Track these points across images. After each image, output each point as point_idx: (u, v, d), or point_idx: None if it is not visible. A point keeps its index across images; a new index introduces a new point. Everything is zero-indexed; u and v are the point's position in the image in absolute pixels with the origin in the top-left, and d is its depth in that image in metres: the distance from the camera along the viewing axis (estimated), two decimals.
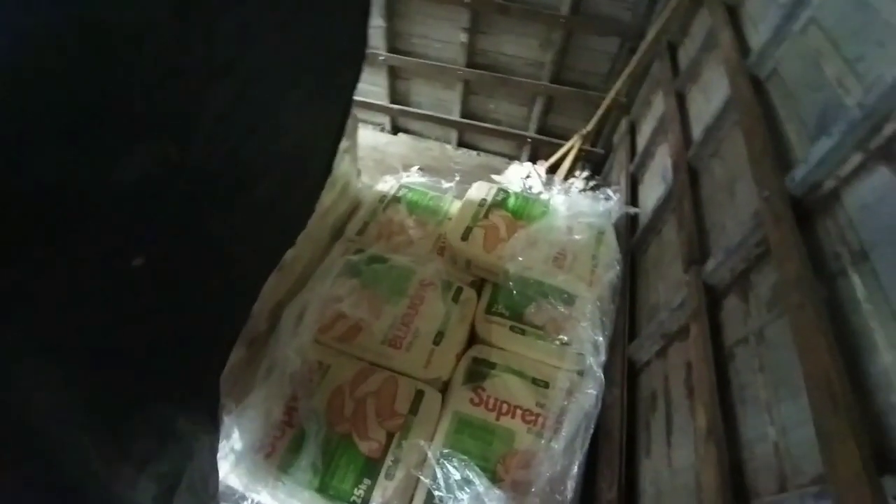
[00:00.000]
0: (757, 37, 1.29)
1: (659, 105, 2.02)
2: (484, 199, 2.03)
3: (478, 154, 3.07)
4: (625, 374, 1.47)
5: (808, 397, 0.66)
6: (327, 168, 1.37)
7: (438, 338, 1.64)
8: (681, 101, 1.75)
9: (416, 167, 2.45)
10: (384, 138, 3.10)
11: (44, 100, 0.64)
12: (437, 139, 3.09)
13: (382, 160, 2.88)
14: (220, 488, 1.21)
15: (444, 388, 1.57)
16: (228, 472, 1.29)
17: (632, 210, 1.93)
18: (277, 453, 1.34)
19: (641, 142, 2.21)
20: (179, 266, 0.99)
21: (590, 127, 2.50)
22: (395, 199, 2.13)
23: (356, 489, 1.30)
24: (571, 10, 2.24)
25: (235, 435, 1.33)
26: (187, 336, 1.08)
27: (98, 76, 0.72)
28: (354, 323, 1.62)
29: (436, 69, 2.68)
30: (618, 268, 1.75)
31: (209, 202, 0.99)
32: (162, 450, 0.96)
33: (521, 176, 2.72)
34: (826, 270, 0.77)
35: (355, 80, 1.44)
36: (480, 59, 2.62)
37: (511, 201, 2.04)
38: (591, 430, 1.39)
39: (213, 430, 1.23)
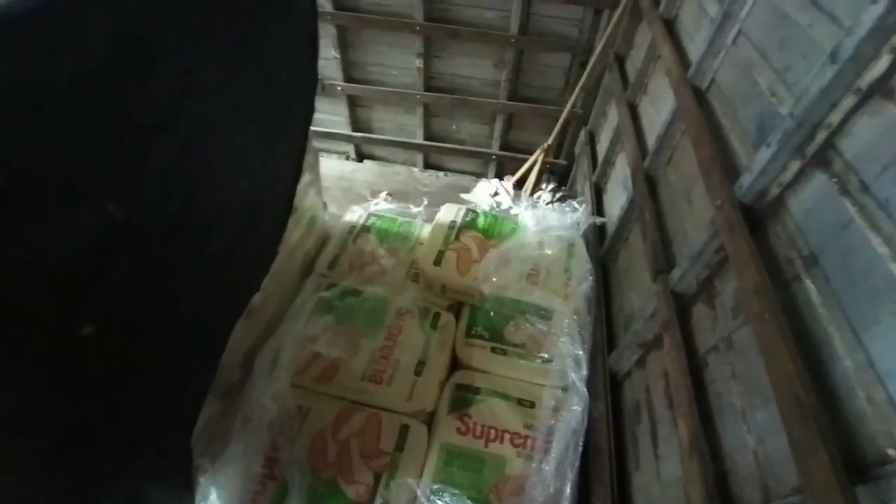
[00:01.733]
0: (694, 49, 1.34)
1: (614, 115, 2.08)
2: (454, 222, 2.03)
3: (445, 174, 3.09)
4: (607, 386, 1.48)
5: (777, 406, 0.67)
6: (287, 208, 1.35)
7: (420, 367, 1.61)
8: (633, 111, 1.80)
9: (385, 192, 2.44)
10: (350, 166, 3.08)
11: None
12: (403, 163, 3.10)
13: (350, 188, 2.86)
14: None
15: (430, 420, 1.54)
16: None
17: (598, 220, 1.96)
18: None
19: (601, 151, 2.26)
20: (133, 329, 0.94)
21: (551, 140, 2.55)
22: (365, 229, 2.11)
23: None
24: (520, 30, 2.31)
25: (213, 496, 1.27)
26: (150, 401, 1.03)
27: (26, 138, 0.68)
28: (331, 362, 1.58)
29: (395, 95, 2.70)
30: (591, 279, 1.77)
31: (161, 260, 0.95)
32: None
33: (489, 192, 2.75)
34: (782, 277, 0.79)
35: (308, 117, 1.43)
36: (438, 83, 2.65)
37: (480, 221, 2.05)
38: (581, 448, 1.38)
39: (188, 496, 1.17)
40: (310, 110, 1.36)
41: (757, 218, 0.90)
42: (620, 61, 2.10)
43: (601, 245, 1.93)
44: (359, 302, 1.77)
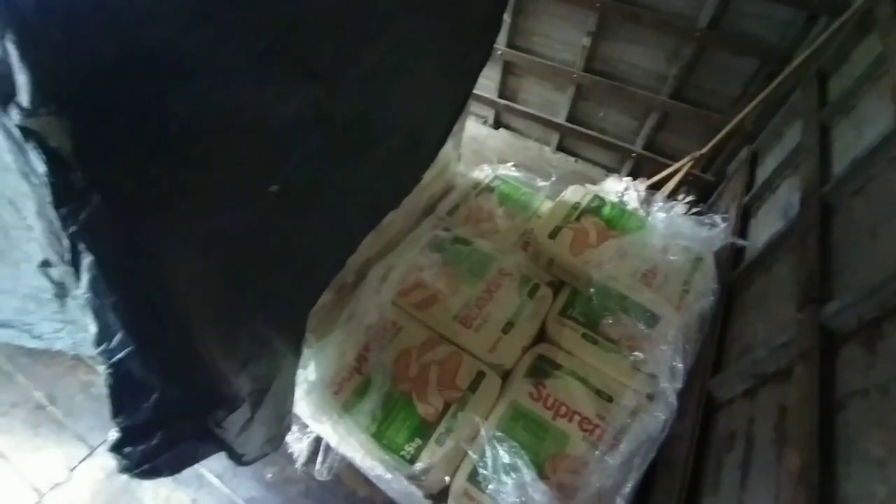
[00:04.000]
0: None
1: (793, 136, 1.85)
2: (578, 203, 2.00)
3: (576, 161, 3.01)
4: (701, 407, 1.38)
5: None
6: (441, 142, 1.44)
7: (508, 327, 1.65)
8: (824, 133, 1.59)
9: (511, 163, 2.47)
10: (484, 131, 3.15)
11: (233, 30, 0.75)
12: (536, 140, 3.08)
13: (479, 151, 2.93)
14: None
15: (505, 377, 1.58)
16: (299, 398, 1.41)
17: (739, 242, 1.79)
18: (344, 393, 1.44)
19: (762, 174, 2.04)
20: (305, 201, 1.10)
21: (705, 150, 2.34)
22: (488, 188, 2.17)
23: (407, 445, 1.36)
24: (710, 23, 2.12)
25: (311, 367, 1.46)
26: (296, 266, 1.20)
27: (277, 21, 0.83)
28: (431, 294, 1.69)
29: (550, 69, 2.67)
30: (712, 298, 1.64)
31: (340, 150, 1.09)
32: (259, 357, 1.07)
33: (617, 189, 2.63)
34: None
35: (481, 64, 1.49)
36: (598, 65, 2.56)
37: (606, 210, 1.99)
38: (652, 455, 1.33)
39: (296, 355, 1.36)
40: (485, 58, 1.42)
41: None
42: (822, 78, 1.84)
43: (734, 269, 1.77)
44: (467, 251, 1.85)
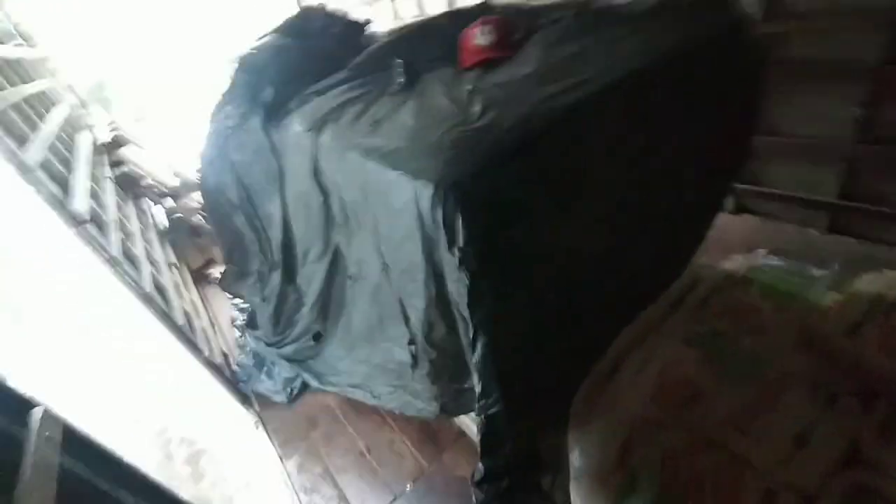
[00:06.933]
0: None
1: None
2: (881, 295, 1.66)
3: (858, 242, 2.49)
4: None
5: None
6: (702, 237, 1.50)
7: (800, 441, 1.42)
8: None
9: (764, 250, 2.24)
10: (724, 218, 2.94)
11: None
12: (797, 223, 2.71)
13: (721, 240, 2.72)
14: None
15: None
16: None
17: None
18: (611, 487, 1.46)
19: None
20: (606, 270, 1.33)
21: None
22: (745, 279, 2.01)
23: None
24: None
25: (577, 453, 1.54)
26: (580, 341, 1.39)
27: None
28: (694, 392, 1.61)
29: (804, 147, 2.42)
30: None
31: (633, 241, 1.29)
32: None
33: None
34: None
35: (741, 161, 1.54)
36: (880, 134, 2.20)
37: None
38: None
39: (563, 436, 1.48)
40: (744, 157, 1.48)
41: None
42: None
43: None
44: (731, 348, 1.72)
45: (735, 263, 2.10)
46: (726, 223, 2.93)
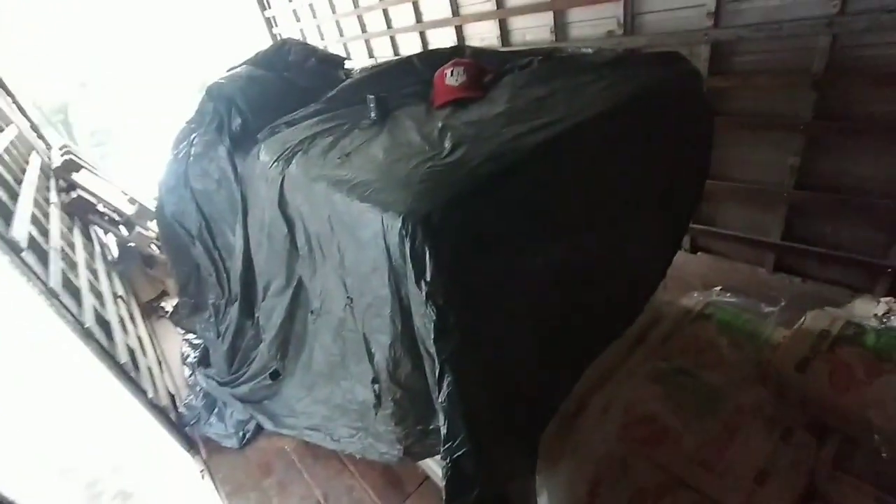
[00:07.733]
0: None
1: None
2: (826, 331, 1.75)
3: (803, 281, 2.66)
4: None
5: None
6: (662, 274, 1.55)
7: (762, 477, 1.43)
8: None
9: (718, 288, 2.35)
10: (681, 256, 3.08)
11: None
12: (746, 261, 2.87)
13: (680, 278, 2.85)
14: None
15: None
16: None
17: None
18: None
19: None
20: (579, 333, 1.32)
21: None
22: (703, 316, 2.08)
23: None
24: None
25: (544, 496, 1.49)
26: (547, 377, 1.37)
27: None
28: (659, 430, 1.61)
29: (752, 192, 2.60)
30: None
31: (600, 283, 1.31)
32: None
33: (875, 312, 2.19)
34: None
35: (693, 206, 1.63)
36: (815, 181, 2.40)
37: (870, 339, 1.68)
38: None
39: (531, 482, 1.44)
40: (697, 199, 1.57)
41: None
42: None
43: None
44: (693, 384, 1.75)
45: (693, 300, 2.17)
46: (684, 261, 3.08)
